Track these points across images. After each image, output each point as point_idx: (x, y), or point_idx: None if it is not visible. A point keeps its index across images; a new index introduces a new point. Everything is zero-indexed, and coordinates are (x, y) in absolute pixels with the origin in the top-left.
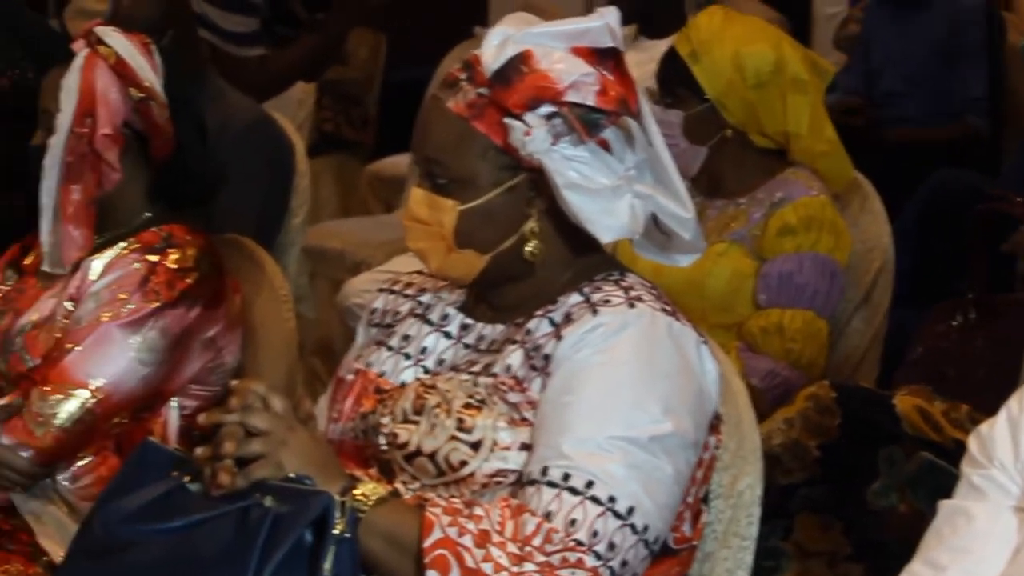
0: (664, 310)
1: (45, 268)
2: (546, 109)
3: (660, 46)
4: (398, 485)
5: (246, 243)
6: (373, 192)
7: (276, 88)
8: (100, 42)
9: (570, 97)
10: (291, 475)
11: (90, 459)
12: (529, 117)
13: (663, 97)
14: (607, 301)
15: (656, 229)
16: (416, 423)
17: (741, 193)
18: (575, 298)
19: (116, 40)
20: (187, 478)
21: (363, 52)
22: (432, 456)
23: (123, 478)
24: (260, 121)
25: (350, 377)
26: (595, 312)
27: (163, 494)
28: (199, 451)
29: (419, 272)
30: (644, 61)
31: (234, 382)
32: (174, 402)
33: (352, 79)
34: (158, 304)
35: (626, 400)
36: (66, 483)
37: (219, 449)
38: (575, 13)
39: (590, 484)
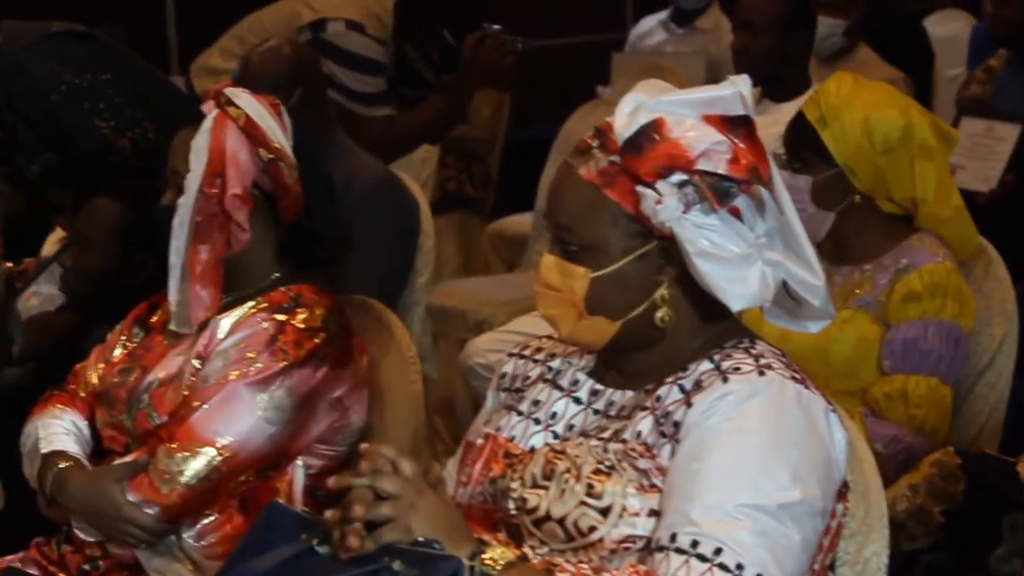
0: (794, 378)
1: (172, 327)
2: (678, 177)
3: (785, 109)
4: (526, 550)
5: (373, 304)
6: (495, 251)
7: (403, 149)
8: (230, 103)
9: (702, 165)
10: (420, 539)
11: (215, 517)
12: (661, 185)
13: (790, 162)
14: (737, 368)
15: (786, 296)
16: (546, 488)
17: (867, 259)
18: (705, 365)
19: (246, 101)
20: (316, 541)
21: (486, 111)
22: (561, 521)
23: (251, 540)
24: (386, 180)
25: (480, 441)
26: (725, 379)
27: (292, 556)
28: (329, 514)
29: (548, 337)
30: (769, 124)
31: (364, 445)
32: (299, 461)
33: (475, 137)
34: (286, 363)
35: (755, 467)
36: (191, 541)
37: (349, 512)
38: (697, 74)
39: (718, 551)
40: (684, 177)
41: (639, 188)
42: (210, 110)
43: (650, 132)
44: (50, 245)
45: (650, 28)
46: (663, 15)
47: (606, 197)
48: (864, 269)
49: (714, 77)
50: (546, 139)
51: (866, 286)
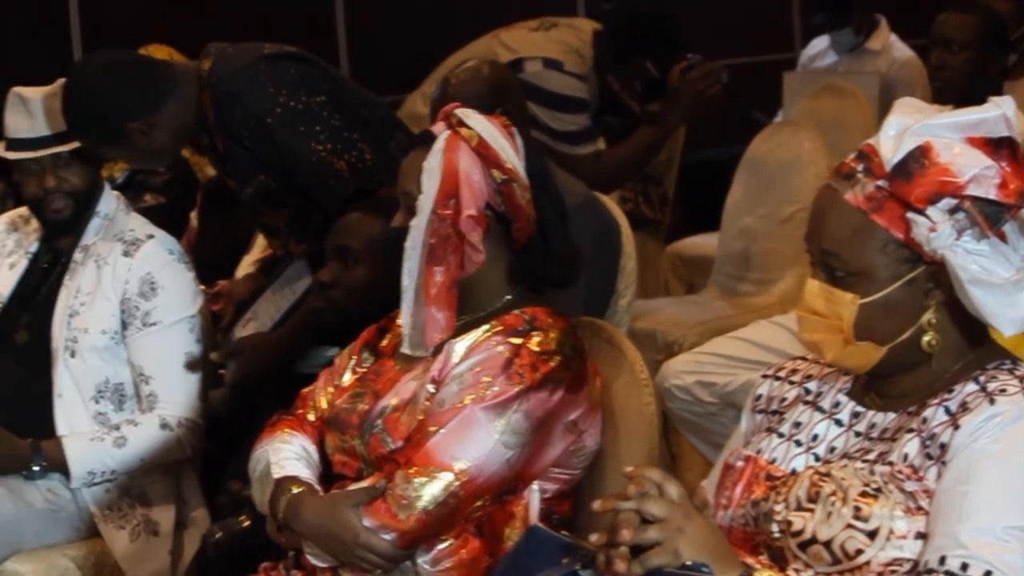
0: None
1: (405, 350)
2: (948, 203)
3: None
4: (790, 573)
5: (604, 326)
6: (674, 272)
7: (615, 184)
8: (461, 124)
9: (972, 191)
10: (688, 563)
11: (451, 542)
12: (932, 212)
13: None
14: (1003, 390)
15: None
16: (811, 511)
17: None
18: (970, 387)
19: (477, 122)
20: (579, 565)
21: None
22: (827, 544)
23: (511, 563)
24: (588, 201)
25: (740, 464)
26: (992, 401)
27: None
28: (594, 538)
29: (801, 358)
30: None
31: (628, 468)
32: (535, 485)
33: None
34: (522, 387)
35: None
36: (427, 566)
37: (615, 536)
38: (870, 93)
39: (988, 574)
40: (954, 203)
41: (909, 215)
42: (441, 131)
43: (919, 157)
44: (244, 268)
45: (821, 50)
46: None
47: (874, 223)
48: None
49: (887, 96)
50: (720, 160)
51: None
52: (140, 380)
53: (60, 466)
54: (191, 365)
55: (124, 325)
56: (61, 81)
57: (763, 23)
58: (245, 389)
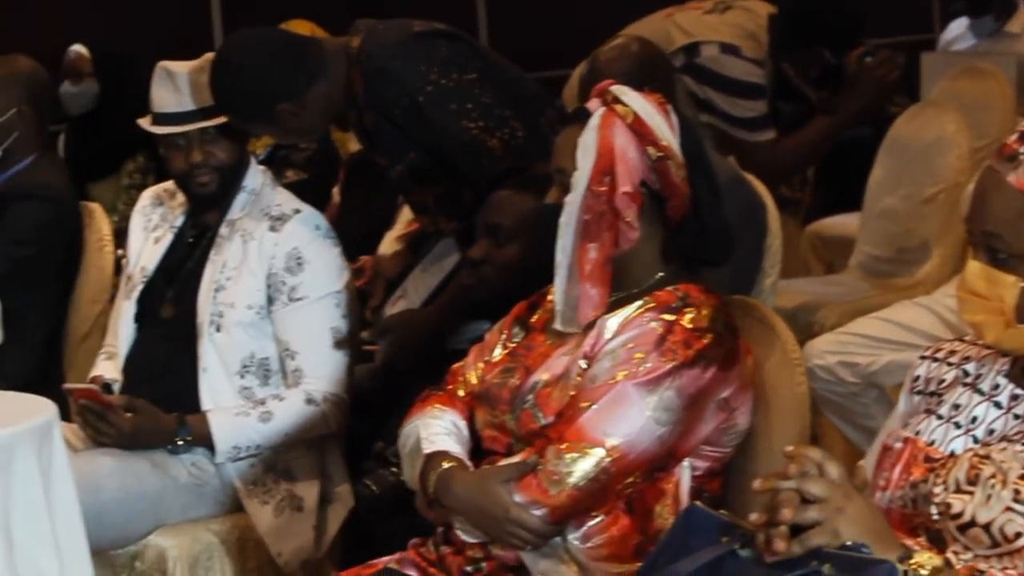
0: None
1: (557, 326)
2: None
3: None
4: (949, 555)
5: (756, 305)
6: (814, 252)
7: (792, 172)
8: (617, 100)
9: None
10: (847, 543)
11: (601, 519)
12: None
13: None
14: None
15: None
16: (971, 493)
17: None
18: None
19: (633, 98)
20: (737, 544)
21: None
22: (987, 527)
23: (670, 542)
24: (736, 180)
25: (898, 445)
26: None
27: (714, 560)
28: (753, 517)
29: (959, 340)
30: None
31: (788, 448)
32: (686, 463)
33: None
34: (675, 363)
35: None
36: (577, 543)
37: (775, 516)
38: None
39: None
40: None
41: None
42: (596, 108)
43: None
44: (387, 244)
45: (959, 34)
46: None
47: None
48: None
49: None
50: (860, 139)
51: None
52: (286, 355)
53: (205, 440)
54: (337, 341)
55: (270, 300)
56: (208, 56)
57: (902, 4)
58: (396, 367)
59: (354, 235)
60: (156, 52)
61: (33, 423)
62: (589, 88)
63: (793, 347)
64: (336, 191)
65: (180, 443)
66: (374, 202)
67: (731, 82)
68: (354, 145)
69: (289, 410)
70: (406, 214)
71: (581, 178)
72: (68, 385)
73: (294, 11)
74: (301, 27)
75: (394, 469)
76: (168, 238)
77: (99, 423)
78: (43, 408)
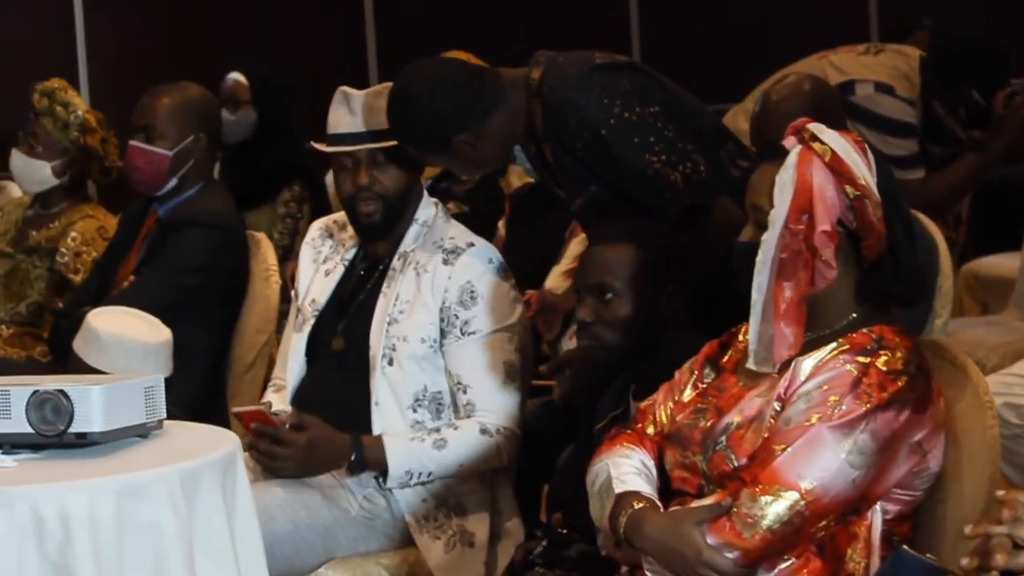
0: None
1: (750, 365)
2: None
3: None
4: None
5: (948, 346)
6: (968, 291)
7: (941, 209)
8: (814, 138)
9: None
10: None
11: (793, 561)
12: None
13: None
14: None
15: None
16: None
17: None
18: None
19: (830, 137)
20: None
21: None
22: None
23: None
24: None
25: None
26: None
27: None
28: (964, 562)
29: None
30: None
31: (1000, 492)
32: (878, 506)
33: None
34: (870, 406)
35: None
36: None
37: (987, 560)
38: None
39: None
40: None
41: None
42: (792, 145)
43: None
44: (553, 278)
45: None
46: None
47: None
48: None
49: None
50: (1016, 179)
51: None
52: (457, 389)
53: (378, 463)
54: (510, 374)
55: (443, 334)
56: (387, 84)
57: None
58: (574, 402)
59: (520, 269)
60: (311, 82)
61: (217, 454)
62: (762, 125)
63: (985, 389)
64: (502, 225)
65: (353, 459)
66: (540, 236)
67: (885, 120)
68: (516, 179)
69: (463, 440)
70: (573, 248)
71: (778, 216)
72: (237, 409)
73: (449, 41)
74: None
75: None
76: (339, 271)
77: (273, 447)
78: (226, 439)
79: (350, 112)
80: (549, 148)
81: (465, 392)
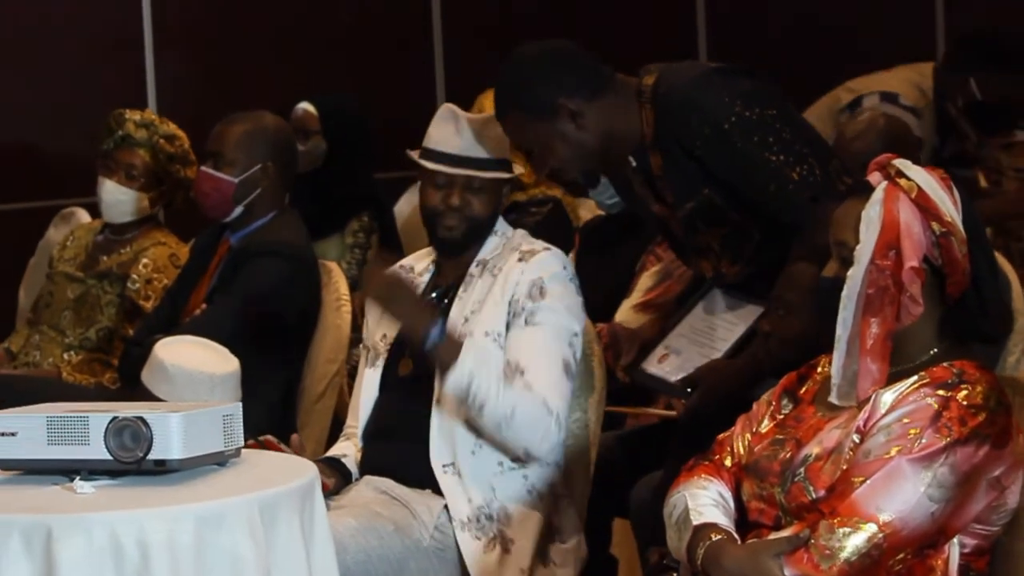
0: None
1: (833, 399)
2: None
3: None
4: None
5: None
6: None
7: None
8: (900, 175)
9: None
10: None
11: None
12: None
13: None
14: None
15: None
16: None
17: None
18: None
19: (916, 173)
20: None
21: (1014, 184)
22: None
23: None
24: None
25: None
26: None
27: None
28: None
29: None
30: None
31: None
32: (956, 540)
33: (1008, 212)
34: (950, 440)
35: None
36: None
37: None
38: None
39: None
40: None
41: None
42: (878, 181)
43: None
44: (625, 312)
45: None
46: None
47: None
48: None
49: None
50: None
51: None
52: (515, 373)
53: (455, 346)
54: (568, 371)
55: (507, 327)
56: (489, 113)
57: None
58: (702, 415)
59: (590, 302)
60: (381, 111)
61: (296, 483)
62: None
63: None
64: (571, 257)
65: (433, 333)
66: (610, 270)
67: None
68: (585, 212)
69: (527, 395)
70: (644, 282)
71: (865, 252)
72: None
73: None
74: None
75: None
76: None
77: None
78: (304, 468)
79: (457, 132)
80: (659, 155)
81: (523, 374)
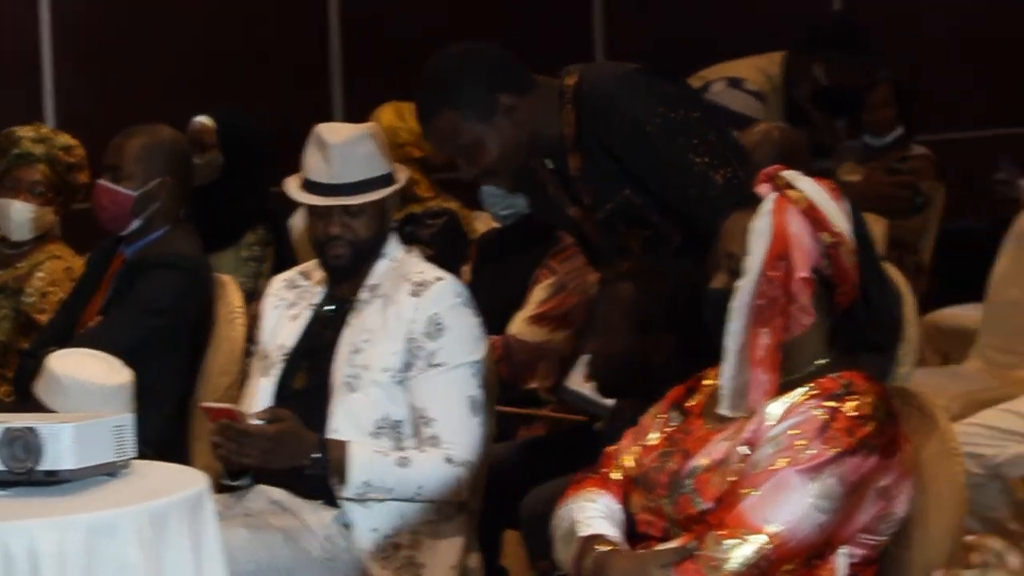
0: None
1: (723, 411)
2: None
3: None
4: None
5: (916, 393)
6: (930, 342)
7: None
8: (789, 186)
9: None
10: None
11: None
12: None
13: None
14: None
15: None
16: None
17: None
18: None
19: (806, 184)
20: None
21: (916, 201)
22: None
23: None
24: None
25: None
26: None
27: None
28: None
29: None
30: None
31: (969, 537)
32: (843, 550)
33: (908, 226)
34: (838, 451)
35: None
36: None
37: None
38: None
39: None
40: None
41: None
42: (766, 192)
43: None
44: (518, 324)
45: None
46: None
47: None
48: None
49: None
50: (977, 230)
51: None
52: (421, 422)
53: (339, 467)
54: (474, 409)
55: (407, 366)
56: (362, 127)
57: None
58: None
59: (484, 314)
60: (279, 123)
61: (186, 493)
62: None
63: (952, 436)
64: (467, 269)
65: (316, 456)
66: (504, 281)
67: (729, 114)
68: (481, 224)
69: (427, 463)
70: (537, 294)
71: (754, 263)
72: (207, 404)
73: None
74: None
75: None
76: (306, 315)
77: (241, 437)
78: (195, 479)
79: (325, 160)
80: (579, 156)
81: (429, 425)
